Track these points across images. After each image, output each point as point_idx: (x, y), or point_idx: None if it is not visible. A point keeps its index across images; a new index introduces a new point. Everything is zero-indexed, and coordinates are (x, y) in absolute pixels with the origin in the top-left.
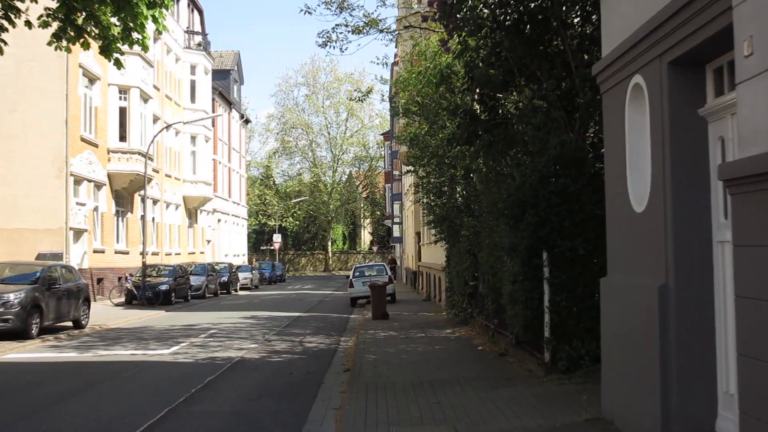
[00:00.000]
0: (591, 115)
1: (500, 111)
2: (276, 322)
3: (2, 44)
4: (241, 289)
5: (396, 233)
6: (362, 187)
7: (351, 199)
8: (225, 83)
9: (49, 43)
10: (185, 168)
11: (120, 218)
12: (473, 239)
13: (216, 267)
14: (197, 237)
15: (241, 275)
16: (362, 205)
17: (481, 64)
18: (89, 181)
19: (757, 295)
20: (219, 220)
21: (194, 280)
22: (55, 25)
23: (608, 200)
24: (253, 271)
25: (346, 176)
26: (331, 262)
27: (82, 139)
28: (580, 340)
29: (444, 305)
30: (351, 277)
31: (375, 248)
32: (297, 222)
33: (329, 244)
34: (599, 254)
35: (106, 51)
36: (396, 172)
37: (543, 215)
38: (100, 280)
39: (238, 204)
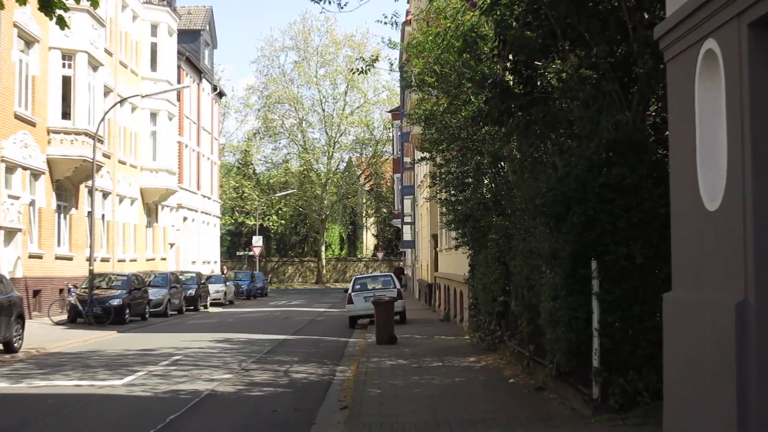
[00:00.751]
0: (652, 88)
1: (539, 83)
2: (255, 346)
3: None
4: (212, 305)
5: (407, 236)
6: (365, 178)
7: (351, 193)
8: (194, 47)
9: None
10: (143, 153)
11: (62, 215)
12: (504, 244)
13: (181, 277)
14: (158, 239)
15: (212, 288)
16: (365, 201)
17: (515, 23)
18: (24, 168)
19: None
20: (185, 219)
21: (153, 294)
22: None
23: (673, 195)
24: (228, 283)
25: (345, 164)
26: (325, 271)
27: (16, 116)
28: (638, 371)
29: (467, 327)
30: (350, 291)
31: (380, 255)
32: (283, 221)
33: (323, 249)
34: (662, 263)
35: (46, 6)
36: (407, 160)
37: (592, 214)
38: (36, 293)
39: (209, 198)
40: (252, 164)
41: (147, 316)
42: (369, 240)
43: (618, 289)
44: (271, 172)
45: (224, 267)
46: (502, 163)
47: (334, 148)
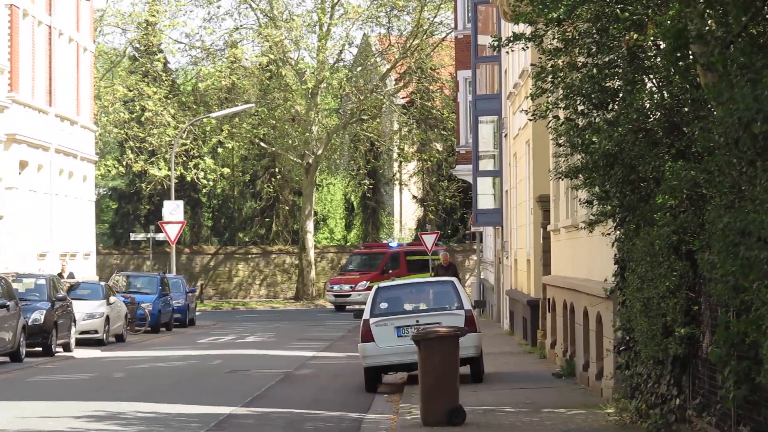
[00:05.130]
0: None
1: None
2: (170, 431)
3: None
4: (80, 343)
5: (485, 201)
6: (397, 79)
7: (368, 111)
8: None
9: None
10: None
11: None
12: (688, 217)
13: (16, 287)
14: None
15: (80, 308)
16: (398, 128)
17: None
18: None
19: None
20: (24, 166)
21: None
22: None
23: None
24: (112, 299)
25: (356, 51)
26: (313, 274)
27: None
28: None
29: (611, 388)
30: (367, 316)
31: (430, 240)
32: (226, 170)
33: (309, 227)
34: None
35: None
36: (487, 40)
37: None
38: None
39: (74, 124)
40: (161, 52)
41: None
42: (406, 208)
43: None
44: (201, 68)
45: (63, 265)
46: (690, 53)
47: (332, 19)
